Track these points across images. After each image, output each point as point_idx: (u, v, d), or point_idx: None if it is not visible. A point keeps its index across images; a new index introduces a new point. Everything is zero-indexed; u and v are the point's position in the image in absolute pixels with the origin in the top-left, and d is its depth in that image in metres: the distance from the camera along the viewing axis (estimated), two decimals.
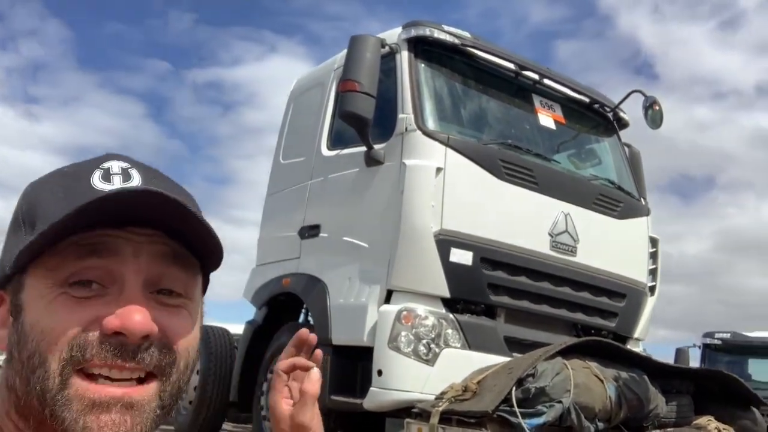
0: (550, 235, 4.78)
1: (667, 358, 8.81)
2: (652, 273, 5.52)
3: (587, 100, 5.67)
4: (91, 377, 0.67)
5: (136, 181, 0.74)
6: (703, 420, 4.15)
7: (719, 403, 4.32)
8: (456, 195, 4.43)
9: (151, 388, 0.70)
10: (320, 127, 5.42)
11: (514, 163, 4.70)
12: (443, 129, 4.66)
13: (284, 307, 5.49)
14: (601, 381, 3.65)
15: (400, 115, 4.63)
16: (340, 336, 4.58)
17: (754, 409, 4.43)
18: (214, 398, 5.93)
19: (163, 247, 0.73)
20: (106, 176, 0.73)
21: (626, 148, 6.08)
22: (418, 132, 4.51)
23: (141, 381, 0.69)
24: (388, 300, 4.34)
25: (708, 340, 12.11)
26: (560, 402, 3.43)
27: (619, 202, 5.28)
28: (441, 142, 4.48)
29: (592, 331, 4.98)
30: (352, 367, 4.49)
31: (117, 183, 0.73)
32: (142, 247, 0.71)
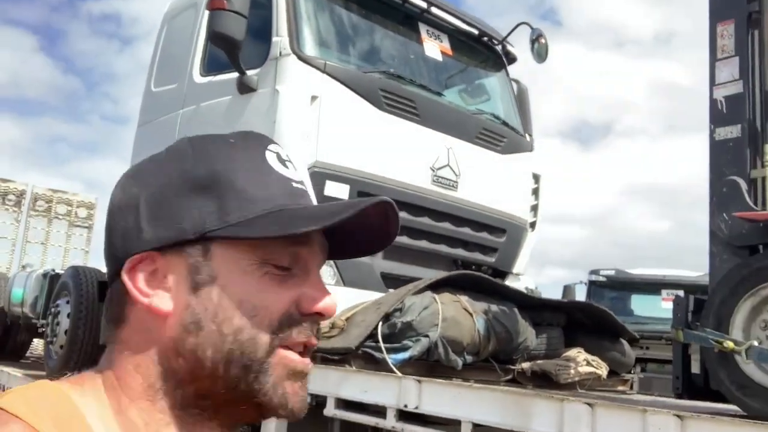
0: (431, 169, 4.66)
1: (557, 295, 9.07)
2: (534, 209, 5.53)
3: (476, 32, 5.52)
4: (287, 349, 0.73)
5: (298, 172, 0.79)
6: (573, 352, 4.19)
7: (590, 336, 4.39)
8: (332, 125, 4.21)
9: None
10: (193, 51, 5.02)
11: (395, 93, 4.51)
12: (321, 55, 4.39)
13: None
14: (471, 314, 3.60)
15: (275, 38, 4.33)
16: None
17: (623, 341, 4.55)
18: (84, 342, 5.65)
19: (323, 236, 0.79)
20: (280, 160, 0.78)
21: (514, 84, 6.01)
22: (293, 56, 4.23)
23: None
24: None
25: (593, 277, 12.59)
26: (427, 336, 3.35)
27: (502, 137, 5.21)
28: (317, 68, 4.22)
29: (473, 267, 4.96)
30: None
31: (291, 170, 0.78)
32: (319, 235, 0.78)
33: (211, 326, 0.71)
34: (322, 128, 4.15)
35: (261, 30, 4.44)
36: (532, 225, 5.52)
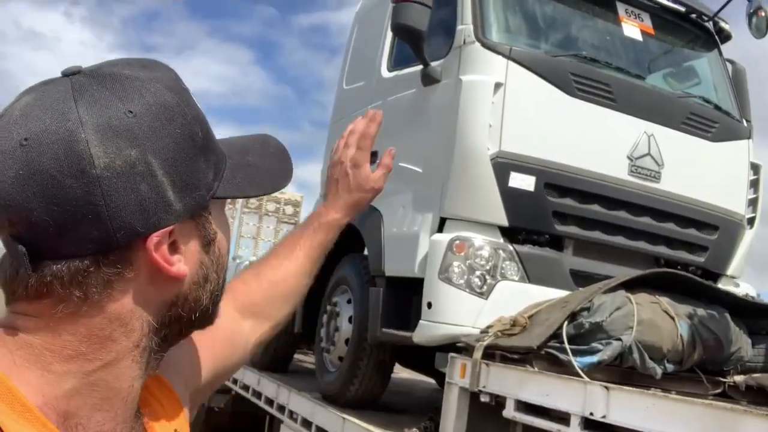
0: (629, 158, 4.26)
1: None
2: (752, 203, 4.87)
3: (682, 9, 4.98)
4: None
5: None
6: None
7: None
8: (518, 113, 4.00)
9: None
10: (381, 47, 5.07)
11: (588, 77, 4.18)
12: (507, 41, 4.20)
13: (345, 238, 5.28)
14: (672, 318, 3.22)
15: (459, 27, 4.21)
16: (392, 267, 4.33)
17: None
18: (282, 330, 5.86)
19: None
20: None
21: (729, 65, 5.35)
22: (477, 44, 4.08)
23: None
24: (441, 229, 4.03)
25: None
26: (619, 339, 3.04)
27: (714, 122, 4.64)
28: (502, 55, 4.03)
29: (678, 267, 4.45)
30: (404, 299, 4.25)
31: None
32: None
33: (214, 276, 0.78)
34: (506, 117, 3.96)
35: (446, 20, 4.35)
36: (751, 221, 4.86)
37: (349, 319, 4.61)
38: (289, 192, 13.98)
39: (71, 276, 0.66)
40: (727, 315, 3.41)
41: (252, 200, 13.50)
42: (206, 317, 0.79)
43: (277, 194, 14.09)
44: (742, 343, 3.45)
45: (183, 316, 0.76)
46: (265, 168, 0.85)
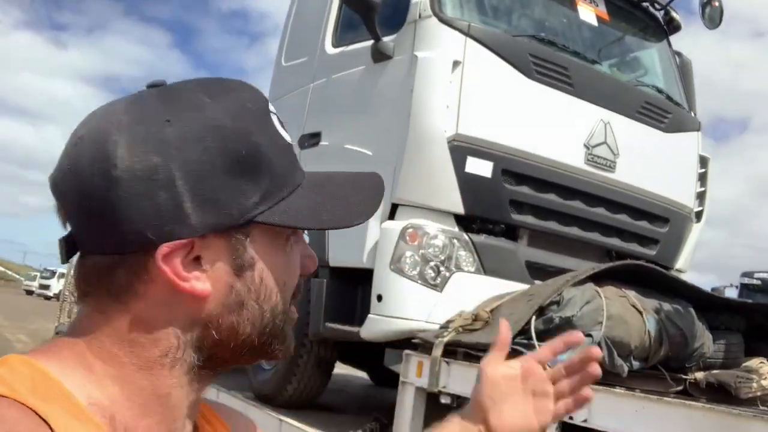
0: (585, 146, 4.10)
1: None
2: (700, 197, 4.82)
3: None
4: None
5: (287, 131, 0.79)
6: (754, 362, 3.53)
7: None
8: (476, 94, 3.76)
9: None
10: (325, 21, 4.73)
11: (547, 60, 3.99)
12: (465, 16, 3.95)
13: None
14: (640, 313, 3.05)
15: (414, 0, 3.93)
16: (337, 257, 4.02)
17: None
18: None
19: None
20: (280, 121, 0.78)
21: (677, 57, 5.29)
22: (434, 19, 3.81)
23: None
24: (392, 216, 3.75)
25: (746, 280, 11.43)
26: (590, 335, 2.84)
27: (667, 112, 4.55)
28: (460, 31, 3.78)
29: (629, 259, 4.34)
30: (351, 292, 3.96)
31: (286, 132, 0.78)
32: None
33: (254, 305, 0.73)
34: (464, 97, 3.71)
35: None
36: (699, 215, 4.82)
37: None
38: None
39: (97, 271, 0.69)
40: (692, 309, 3.28)
41: None
42: (260, 351, 0.76)
43: None
44: (705, 339, 3.33)
45: (221, 341, 0.72)
46: (338, 200, 0.79)
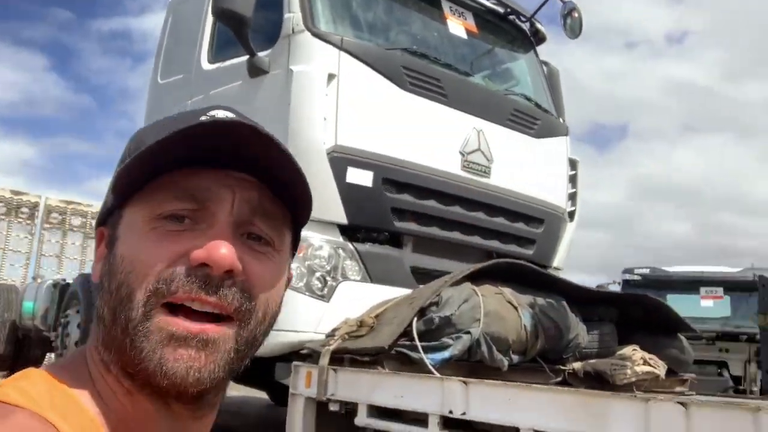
0: (461, 153, 4.26)
1: None
2: (572, 197, 5.11)
3: (501, 9, 5.13)
4: (174, 311, 0.67)
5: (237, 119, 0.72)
6: (627, 350, 3.76)
7: (644, 331, 3.96)
8: (352, 106, 3.83)
9: (228, 329, 0.69)
10: (200, 38, 4.69)
11: (420, 72, 4.13)
12: (338, 31, 4.02)
13: None
14: (515, 308, 3.19)
15: (287, 15, 3.97)
16: None
17: (681, 337, 4.11)
18: None
19: (256, 192, 0.73)
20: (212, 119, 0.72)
21: (544, 66, 5.60)
22: (307, 33, 3.87)
23: (219, 320, 0.68)
24: None
25: (627, 276, 12.06)
26: (468, 333, 2.95)
27: (536, 119, 4.81)
28: (334, 45, 3.85)
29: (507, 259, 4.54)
30: None
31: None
32: (235, 190, 0.71)
33: (106, 285, 0.70)
34: (341, 109, 3.77)
35: (272, 7, 4.09)
36: (571, 215, 5.10)
37: (78, 326, 5.18)
38: (97, 204, 12.74)
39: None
40: (565, 303, 3.46)
41: (54, 214, 12.15)
42: (131, 362, 0.68)
43: (83, 206, 12.85)
44: (579, 330, 3.52)
45: (107, 337, 0.71)
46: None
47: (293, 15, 3.93)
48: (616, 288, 12.26)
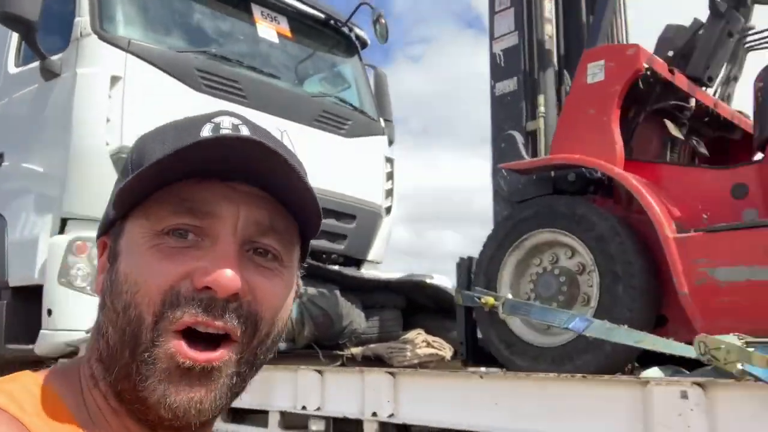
0: None
1: None
2: (389, 193, 5.36)
3: (316, 13, 5.32)
4: (180, 333, 0.65)
5: (244, 134, 0.69)
6: (412, 334, 4.00)
7: (433, 316, 4.22)
8: (139, 107, 3.92)
9: (231, 352, 0.67)
10: (8, 41, 4.67)
11: (215, 74, 4.26)
12: (129, 35, 4.11)
13: None
14: None
15: (77, 18, 4.03)
16: (16, 275, 3.99)
17: None
18: None
19: (263, 206, 0.70)
20: (216, 129, 0.70)
21: (371, 69, 5.84)
22: (94, 36, 3.94)
23: (222, 339, 0.66)
24: (62, 230, 3.81)
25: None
26: None
27: (346, 120, 5.02)
28: (120, 47, 3.93)
29: (322, 255, 4.74)
30: (28, 310, 3.94)
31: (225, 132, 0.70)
32: (241, 204, 0.69)
33: (109, 303, 0.68)
34: (127, 111, 3.87)
35: (66, 11, 4.14)
36: (388, 210, 5.35)
37: None
38: None
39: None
40: (337, 292, 3.67)
41: None
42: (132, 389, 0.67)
43: None
44: (353, 317, 3.74)
45: (108, 357, 0.69)
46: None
47: (82, 19, 3.99)
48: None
